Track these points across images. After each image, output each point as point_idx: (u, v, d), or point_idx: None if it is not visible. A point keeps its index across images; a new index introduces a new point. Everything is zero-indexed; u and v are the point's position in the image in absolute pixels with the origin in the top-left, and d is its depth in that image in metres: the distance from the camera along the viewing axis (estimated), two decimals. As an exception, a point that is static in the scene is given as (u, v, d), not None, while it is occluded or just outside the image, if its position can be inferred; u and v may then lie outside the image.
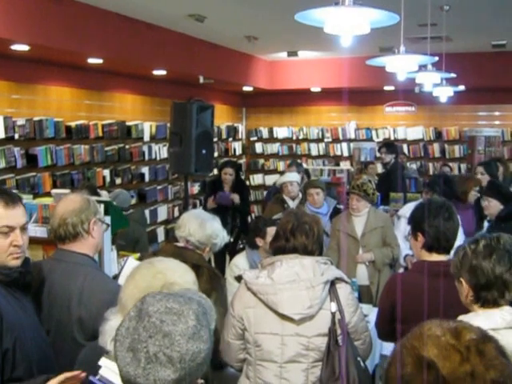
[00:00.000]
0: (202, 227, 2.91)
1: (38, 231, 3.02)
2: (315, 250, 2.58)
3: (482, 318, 1.74)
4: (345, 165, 10.27)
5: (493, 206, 4.19)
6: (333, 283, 2.50)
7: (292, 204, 5.62)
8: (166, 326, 1.20)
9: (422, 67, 4.90)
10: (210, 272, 2.83)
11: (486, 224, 4.37)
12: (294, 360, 2.45)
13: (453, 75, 5.51)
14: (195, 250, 2.91)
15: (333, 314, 2.46)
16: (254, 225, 4.13)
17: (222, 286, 2.91)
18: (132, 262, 2.68)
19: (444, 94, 6.44)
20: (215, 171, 7.90)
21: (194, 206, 9.27)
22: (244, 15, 6.35)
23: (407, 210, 4.76)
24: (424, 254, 2.58)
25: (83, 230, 2.29)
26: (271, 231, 3.47)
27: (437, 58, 4.32)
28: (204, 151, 5.60)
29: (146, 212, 8.14)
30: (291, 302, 2.42)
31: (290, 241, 2.56)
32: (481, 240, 1.83)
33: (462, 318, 1.77)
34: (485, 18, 6.43)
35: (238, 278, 2.60)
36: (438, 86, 5.87)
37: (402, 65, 3.98)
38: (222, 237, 2.99)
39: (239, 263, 3.90)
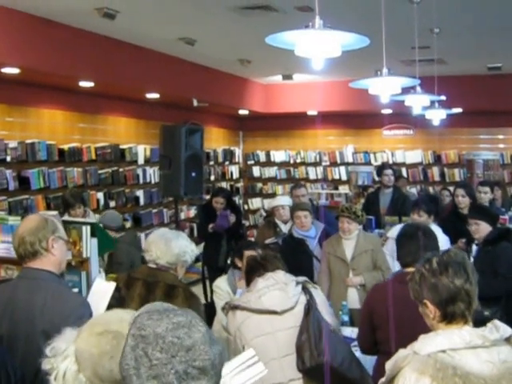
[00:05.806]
0: (168, 248, 2.90)
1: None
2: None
3: (441, 338, 1.72)
4: (343, 189, 10.20)
5: (482, 229, 4.11)
6: (305, 287, 2.93)
7: (284, 228, 5.52)
8: (185, 340, 1.17)
9: (411, 89, 4.87)
10: (186, 292, 2.89)
11: (474, 248, 4.28)
12: (290, 352, 2.73)
13: (442, 98, 5.46)
14: (169, 271, 2.93)
15: (308, 301, 2.84)
16: (238, 246, 4.37)
17: (199, 305, 2.93)
18: (99, 282, 2.64)
19: (437, 116, 6.39)
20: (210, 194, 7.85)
21: (191, 230, 9.20)
22: (235, 39, 6.37)
23: (395, 231, 4.70)
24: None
25: (41, 247, 2.32)
26: (247, 254, 3.74)
27: (418, 81, 4.28)
28: (193, 174, 5.61)
29: (142, 236, 8.09)
30: (271, 299, 2.83)
31: (267, 268, 2.93)
32: (432, 258, 1.85)
33: (422, 337, 1.76)
34: (477, 41, 6.44)
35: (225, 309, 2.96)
36: (431, 108, 5.82)
37: (384, 87, 3.94)
38: (190, 252, 2.99)
39: (219, 284, 4.11)
